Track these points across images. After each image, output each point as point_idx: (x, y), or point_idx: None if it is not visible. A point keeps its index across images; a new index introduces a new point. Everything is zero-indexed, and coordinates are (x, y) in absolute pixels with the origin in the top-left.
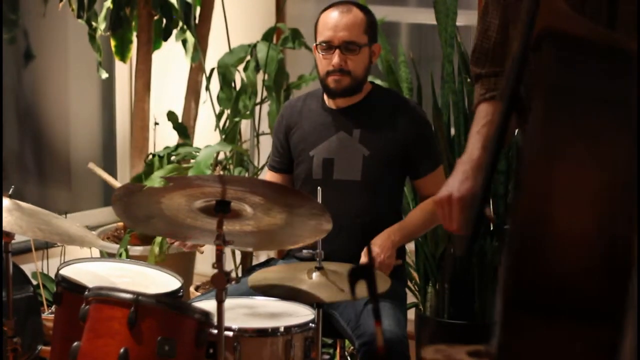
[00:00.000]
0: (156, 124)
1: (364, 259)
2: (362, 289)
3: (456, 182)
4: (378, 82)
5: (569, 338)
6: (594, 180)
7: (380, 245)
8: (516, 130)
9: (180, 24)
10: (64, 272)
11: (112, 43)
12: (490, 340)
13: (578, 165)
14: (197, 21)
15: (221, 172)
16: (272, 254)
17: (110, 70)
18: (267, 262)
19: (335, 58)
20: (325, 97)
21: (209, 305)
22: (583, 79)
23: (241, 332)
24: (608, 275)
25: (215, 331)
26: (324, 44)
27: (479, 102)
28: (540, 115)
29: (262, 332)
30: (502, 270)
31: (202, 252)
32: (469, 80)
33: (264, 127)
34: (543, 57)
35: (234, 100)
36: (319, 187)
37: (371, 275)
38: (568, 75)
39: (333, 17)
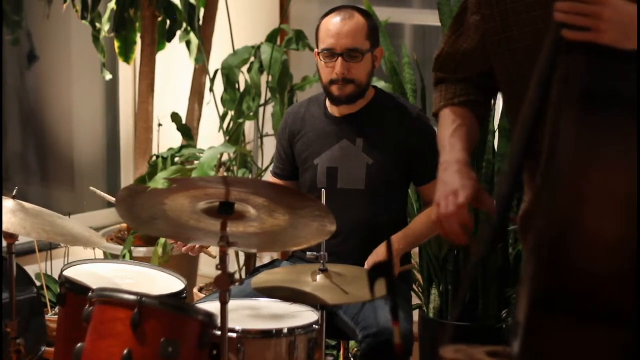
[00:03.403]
0: (160, 125)
1: (371, 260)
2: (368, 291)
3: (457, 179)
4: (382, 84)
5: (593, 341)
6: (625, 185)
7: (383, 255)
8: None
9: (184, 25)
10: (68, 273)
11: (116, 44)
12: (510, 341)
13: (611, 169)
14: (201, 22)
15: (225, 174)
16: (276, 255)
17: (114, 72)
18: (272, 264)
19: (338, 67)
20: (327, 103)
21: (212, 306)
22: (615, 84)
23: (245, 334)
24: (636, 281)
25: (219, 332)
26: (327, 52)
27: (445, 105)
28: (573, 119)
29: (265, 334)
30: (530, 270)
31: (214, 257)
32: None
33: (268, 128)
34: (575, 61)
35: (238, 102)
36: (323, 190)
37: (390, 272)
38: (600, 79)
39: (335, 24)
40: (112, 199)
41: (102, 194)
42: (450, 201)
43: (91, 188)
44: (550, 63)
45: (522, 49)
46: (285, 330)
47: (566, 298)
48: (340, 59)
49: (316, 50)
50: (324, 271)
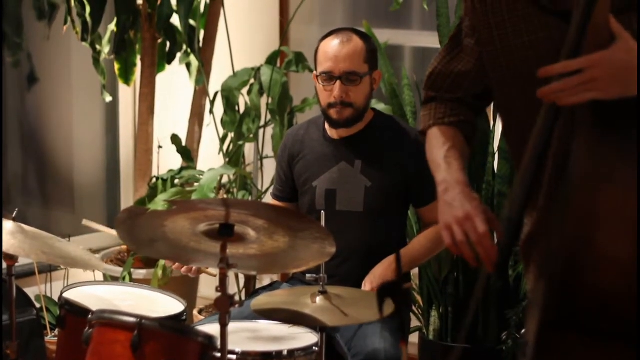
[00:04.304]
0: (160, 147)
1: (367, 287)
2: (367, 313)
3: (466, 202)
4: (382, 105)
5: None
6: (638, 205)
7: (380, 275)
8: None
9: (184, 47)
10: (67, 295)
11: (116, 66)
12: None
13: (624, 189)
14: (201, 44)
15: (225, 196)
16: (276, 277)
17: (114, 94)
18: (271, 286)
19: (337, 90)
20: (326, 125)
21: (212, 328)
22: (627, 104)
23: (244, 356)
24: None
25: (219, 355)
26: (325, 75)
27: (434, 124)
28: (587, 139)
29: (265, 356)
30: (540, 290)
31: (215, 275)
32: None
33: (268, 150)
34: None
35: (238, 124)
36: (322, 212)
37: (399, 291)
38: (612, 101)
39: (333, 47)
40: (107, 230)
41: (96, 225)
42: (468, 228)
43: (84, 221)
44: (548, 135)
45: (525, 73)
46: (285, 352)
47: (578, 317)
48: (338, 82)
49: (315, 72)
50: (323, 293)
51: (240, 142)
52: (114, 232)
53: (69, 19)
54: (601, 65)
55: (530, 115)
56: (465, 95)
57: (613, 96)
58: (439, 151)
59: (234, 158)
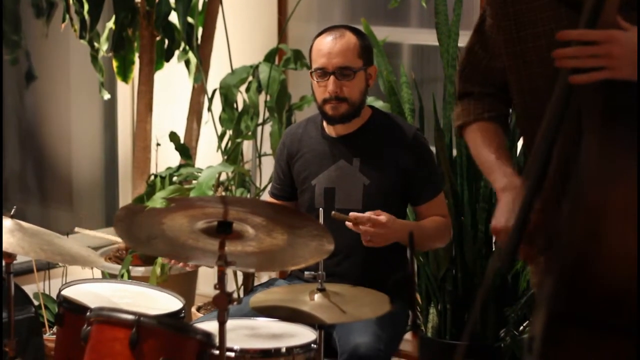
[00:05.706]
0: (158, 144)
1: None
2: (366, 310)
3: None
4: (380, 103)
5: (614, 355)
6: None
7: (391, 226)
8: (518, 151)
9: (183, 44)
10: (66, 292)
11: (114, 64)
12: (525, 355)
13: (635, 185)
14: (199, 42)
15: (223, 193)
16: (274, 274)
17: (113, 91)
18: (270, 283)
19: (330, 85)
20: (324, 123)
21: (210, 326)
22: (636, 99)
23: (243, 353)
24: None
25: (217, 352)
26: (319, 71)
27: (475, 119)
28: (596, 135)
29: (264, 353)
30: (549, 285)
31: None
32: None
33: (266, 147)
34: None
35: (236, 121)
36: (320, 209)
37: (412, 285)
38: (622, 95)
39: (326, 43)
40: (102, 235)
41: (91, 232)
42: (501, 240)
43: (76, 229)
44: (563, 108)
45: (537, 61)
46: (284, 350)
47: (587, 313)
48: (332, 77)
49: (310, 70)
50: (321, 290)
51: (239, 140)
52: (109, 236)
53: (67, 16)
54: (618, 42)
55: (541, 102)
56: (498, 90)
57: (624, 77)
58: (488, 152)
59: (232, 155)
